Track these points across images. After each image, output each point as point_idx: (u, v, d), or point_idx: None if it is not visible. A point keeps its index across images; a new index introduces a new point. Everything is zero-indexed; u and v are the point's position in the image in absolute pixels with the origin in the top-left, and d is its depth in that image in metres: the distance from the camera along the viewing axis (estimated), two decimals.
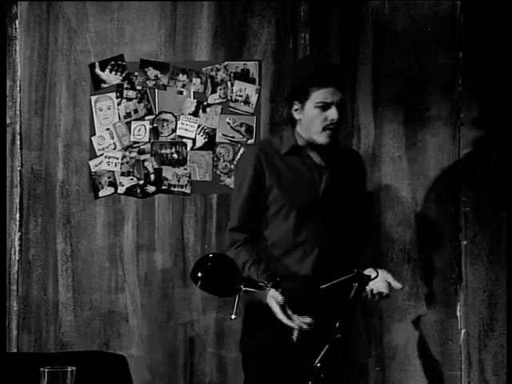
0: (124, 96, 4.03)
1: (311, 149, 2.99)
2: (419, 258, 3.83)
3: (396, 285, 2.83)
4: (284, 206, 2.98)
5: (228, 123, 3.96)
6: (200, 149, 3.99)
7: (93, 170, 4.05)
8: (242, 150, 3.94)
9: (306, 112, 2.92)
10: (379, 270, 2.66)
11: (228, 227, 3.10)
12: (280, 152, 3.01)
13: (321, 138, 2.92)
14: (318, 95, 2.89)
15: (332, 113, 2.88)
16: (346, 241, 3.04)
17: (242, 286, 2.35)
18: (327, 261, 2.96)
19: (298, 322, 2.83)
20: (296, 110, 2.97)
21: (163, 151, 4.01)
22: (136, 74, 4.02)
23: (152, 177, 4.01)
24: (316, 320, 2.86)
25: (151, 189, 4.02)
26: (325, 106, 2.89)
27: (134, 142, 4.03)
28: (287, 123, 3.07)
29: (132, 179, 4.03)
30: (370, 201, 3.27)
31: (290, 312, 2.80)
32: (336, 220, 2.99)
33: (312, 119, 2.91)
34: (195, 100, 3.98)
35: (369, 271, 2.59)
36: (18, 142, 4.09)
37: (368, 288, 2.82)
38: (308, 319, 2.82)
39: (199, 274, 2.34)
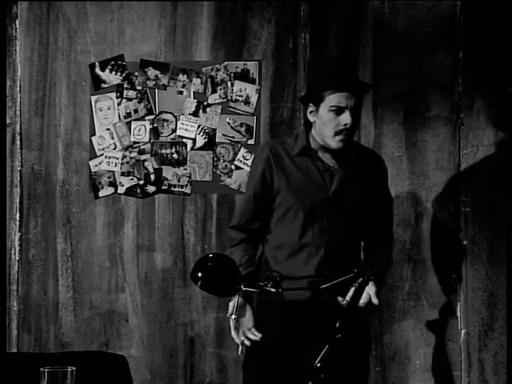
0: (124, 96, 4.03)
1: (324, 151, 2.97)
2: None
3: (375, 301, 2.79)
4: (292, 207, 2.97)
5: (228, 123, 3.96)
6: (200, 149, 3.99)
7: (93, 170, 4.05)
8: (242, 150, 3.94)
9: (320, 115, 2.89)
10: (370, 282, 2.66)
11: (229, 224, 3.13)
12: (292, 153, 3.00)
13: (333, 143, 2.90)
14: (332, 99, 2.85)
15: (345, 117, 2.85)
16: (354, 243, 3.02)
17: (241, 286, 2.35)
18: (332, 262, 2.95)
19: (242, 338, 2.91)
20: (311, 112, 2.94)
21: (163, 151, 4.01)
22: (136, 74, 4.02)
23: (152, 177, 4.01)
24: (316, 320, 2.87)
25: (151, 189, 4.02)
26: (339, 110, 2.86)
27: (134, 142, 4.03)
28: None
29: (132, 179, 4.03)
30: (390, 203, 3.17)
31: (242, 326, 2.91)
32: (345, 222, 2.97)
33: (325, 123, 2.88)
34: (195, 100, 3.98)
35: (364, 270, 2.60)
36: (18, 142, 4.09)
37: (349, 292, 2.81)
38: (255, 336, 2.88)
39: (199, 274, 2.34)
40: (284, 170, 2.98)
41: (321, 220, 2.96)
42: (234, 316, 2.57)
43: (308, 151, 2.97)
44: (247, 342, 2.91)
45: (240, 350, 2.87)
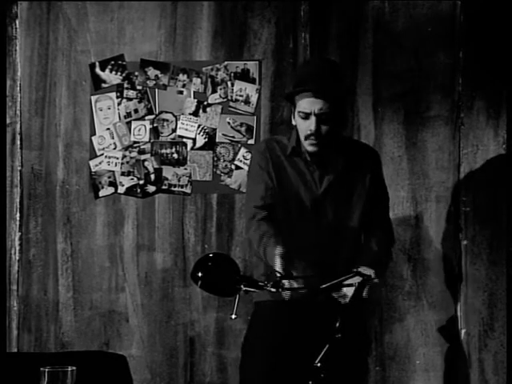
0: (124, 96, 4.03)
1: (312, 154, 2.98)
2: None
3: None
4: (283, 205, 2.97)
5: (228, 123, 3.96)
6: (200, 149, 3.99)
7: (93, 170, 4.05)
8: (242, 150, 3.94)
9: (295, 119, 2.92)
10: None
11: (252, 204, 2.99)
12: (286, 152, 3.01)
13: (307, 146, 2.91)
14: (300, 104, 2.86)
15: (310, 123, 2.84)
16: (348, 242, 3.00)
17: (242, 286, 2.35)
18: (323, 262, 2.95)
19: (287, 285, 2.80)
20: (292, 115, 2.96)
21: (163, 151, 4.01)
22: (136, 73, 4.02)
23: (152, 177, 4.01)
24: (316, 320, 2.87)
25: (151, 189, 4.02)
26: (305, 116, 2.86)
27: (134, 142, 4.03)
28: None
29: (132, 179, 4.03)
30: (386, 200, 3.12)
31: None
32: (337, 222, 2.97)
33: (298, 127, 2.91)
34: (195, 100, 3.98)
35: (363, 269, 2.60)
36: (18, 142, 4.09)
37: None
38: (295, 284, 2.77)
39: (199, 274, 2.34)
40: (278, 166, 2.99)
41: (310, 220, 2.96)
42: (233, 316, 2.56)
43: (298, 152, 2.98)
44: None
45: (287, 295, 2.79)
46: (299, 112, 2.85)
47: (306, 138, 2.88)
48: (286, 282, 2.64)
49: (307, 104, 2.83)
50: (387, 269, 3.31)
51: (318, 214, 2.96)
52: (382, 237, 3.05)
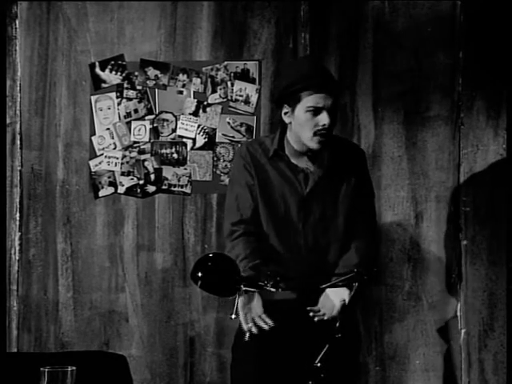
0: (124, 96, 4.03)
1: (297, 154, 2.95)
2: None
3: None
4: (268, 207, 2.96)
5: (228, 123, 3.96)
6: (200, 149, 3.99)
7: (93, 170, 4.05)
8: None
9: (296, 116, 2.87)
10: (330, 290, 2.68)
11: (229, 221, 3.04)
12: (268, 154, 2.99)
13: (312, 144, 2.88)
14: (309, 100, 2.83)
15: (323, 118, 2.83)
16: (336, 242, 2.99)
17: (242, 286, 2.35)
18: (313, 264, 2.94)
19: (250, 325, 2.83)
20: (286, 113, 2.92)
21: (163, 151, 4.01)
22: (136, 73, 4.02)
23: (152, 177, 4.01)
24: (312, 320, 2.87)
25: (151, 189, 4.02)
26: (316, 111, 2.84)
27: (134, 142, 4.03)
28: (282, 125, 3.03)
29: (132, 179, 4.03)
30: (371, 196, 3.12)
31: (251, 312, 2.82)
32: (324, 223, 2.96)
33: (302, 124, 2.86)
34: (195, 100, 3.98)
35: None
36: (18, 142, 4.09)
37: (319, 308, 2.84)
38: (265, 324, 2.81)
39: (199, 274, 2.34)
40: (261, 169, 2.98)
41: (297, 221, 2.95)
42: (233, 316, 2.56)
43: (280, 155, 2.97)
44: (254, 330, 2.83)
45: (247, 336, 2.83)
46: (309, 107, 2.83)
47: (316, 133, 2.86)
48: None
49: (319, 99, 2.83)
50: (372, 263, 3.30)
51: (304, 214, 2.95)
52: (366, 236, 3.04)
